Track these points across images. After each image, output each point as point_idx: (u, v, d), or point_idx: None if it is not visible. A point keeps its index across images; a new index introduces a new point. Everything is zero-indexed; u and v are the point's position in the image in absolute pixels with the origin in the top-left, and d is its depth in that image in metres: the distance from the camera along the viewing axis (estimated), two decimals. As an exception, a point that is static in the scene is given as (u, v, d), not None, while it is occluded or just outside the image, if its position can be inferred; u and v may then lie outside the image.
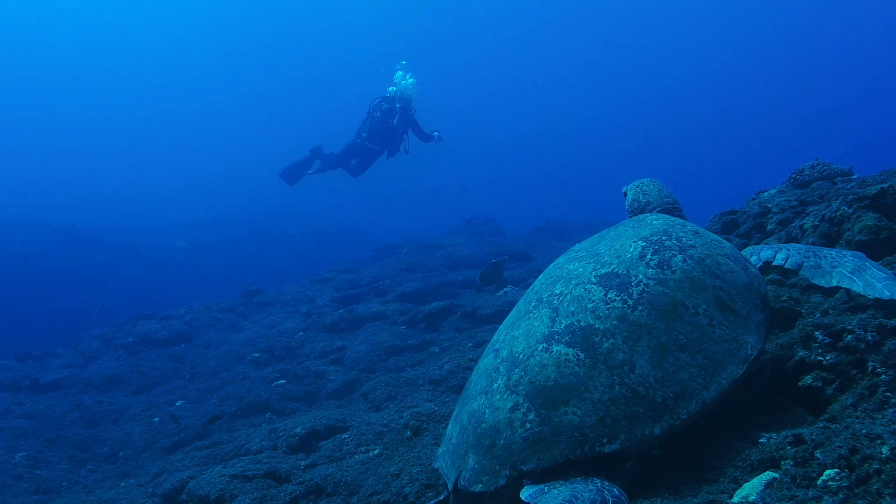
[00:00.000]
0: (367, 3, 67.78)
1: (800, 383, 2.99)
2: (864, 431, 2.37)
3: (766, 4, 68.75)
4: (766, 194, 5.74)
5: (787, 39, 72.97)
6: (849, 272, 3.15)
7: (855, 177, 5.40)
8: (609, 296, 3.00)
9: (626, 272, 3.09)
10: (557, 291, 3.17)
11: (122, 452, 8.47)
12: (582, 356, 2.84)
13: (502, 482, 2.76)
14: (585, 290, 3.08)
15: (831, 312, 3.31)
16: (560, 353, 2.88)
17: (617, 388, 2.75)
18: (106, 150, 64.33)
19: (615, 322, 2.90)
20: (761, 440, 2.70)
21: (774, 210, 5.20)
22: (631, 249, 3.22)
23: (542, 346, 2.96)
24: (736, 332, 2.94)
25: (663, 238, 3.26)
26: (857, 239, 3.92)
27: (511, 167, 74.72)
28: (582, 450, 2.70)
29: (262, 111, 71.07)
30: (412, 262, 15.88)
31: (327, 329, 11.64)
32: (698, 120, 79.36)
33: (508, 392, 2.91)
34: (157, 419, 9.13)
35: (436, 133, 15.29)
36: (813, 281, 3.26)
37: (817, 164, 5.56)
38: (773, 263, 3.41)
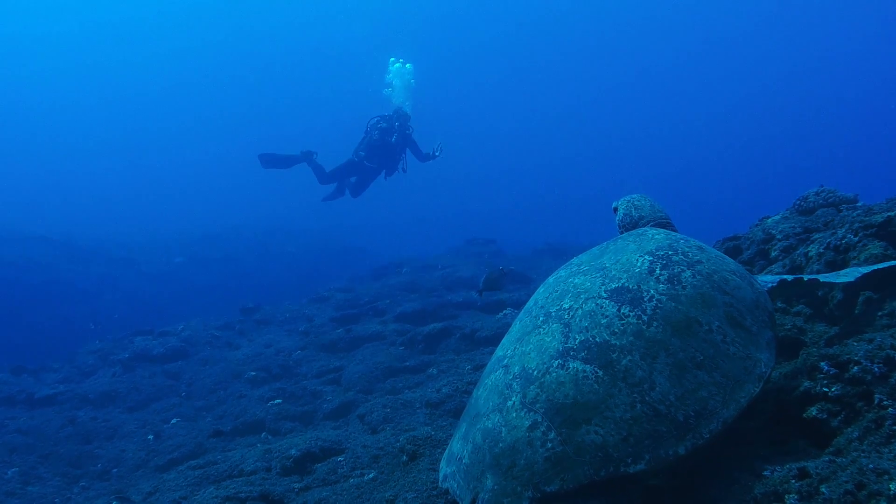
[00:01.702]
0: (365, 24, 67.98)
1: (804, 415, 2.94)
2: (870, 466, 2.32)
3: (780, 28, 68.92)
4: (769, 220, 5.71)
5: (793, 75, 73.14)
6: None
7: (860, 204, 5.37)
8: (622, 311, 2.94)
9: (636, 287, 3.04)
10: (566, 306, 3.12)
11: (115, 470, 8.38)
12: (600, 373, 2.78)
13: None
14: (597, 304, 3.02)
15: (836, 342, 3.26)
16: (577, 370, 2.81)
17: (638, 406, 2.68)
18: (106, 164, 64.37)
19: (631, 338, 2.85)
20: (765, 472, 2.64)
21: (778, 237, 5.16)
22: (638, 264, 3.18)
23: (557, 362, 2.89)
24: (748, 350, 2.90)
25: (670, 253, 3.23)
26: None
27: (512, 188, 74.69)
28: (607, 470, 2.61)
29: (263, 127, 71.13)
30: (411, 283, 15.84)
31: (325, 348, 11.58)
32: (701, 146, 79.54)
33: (525, 410, 2.83)
34: (151, 436, 9.05)
35: (437, 153, 15.22)
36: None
37: (822, 191, 5.53)
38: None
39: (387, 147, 14.93)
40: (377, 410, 7.36)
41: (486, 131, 76.86)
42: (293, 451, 5.94)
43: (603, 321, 2.94)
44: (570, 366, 2.84)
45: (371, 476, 4.71)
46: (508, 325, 9.87)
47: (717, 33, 69.74)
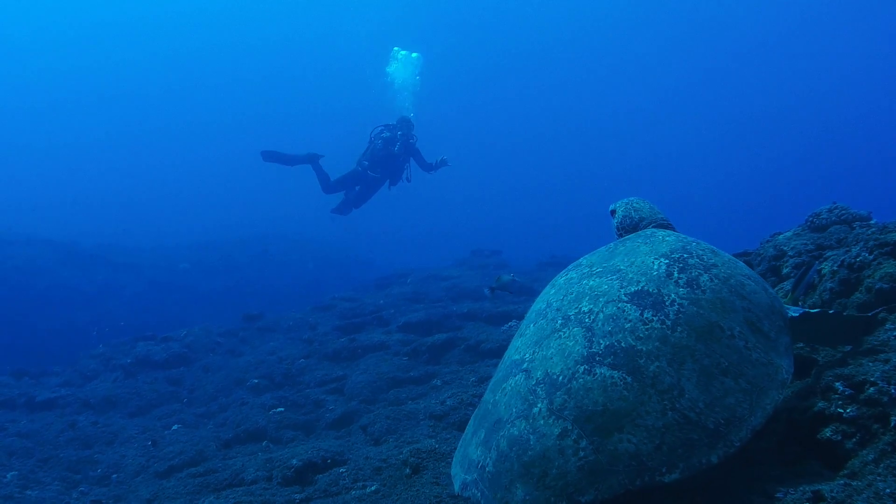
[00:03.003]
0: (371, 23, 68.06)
1: (818, 436, 2.88)
2: (887, 491, 2.27)
3: (794, 41, 68.79)
4: (781, 237, 5.65)
5: (806, 90, 73.05)
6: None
7: (873, 222, 5.30)
8: (645, 315, 2.89)
9: (657, 291, 2.99)
10: (586, 309, 3.05)
11: (115, 475, 8.32)
12: (629, 379, 2.72)
13: None
14: (618, 308, 2.97)
15: (850, 361, 3.19)
16: (605, 376, 2.75)
17: (669, 413, 2.63)
18: (112, 169, 64.56)
19: (657, 343, 2.79)
20: (777, 494, 2.59)
21: (790, 253, 5.10)
22: (655, 267, 3.13)
23: (583, 367, 2.82)
24: (769, 356, 2.86)
25: (685, 256, 3.19)
26: (877, 287, 3.81)
27: (518, 200, 74.77)
28: (642, 480, 2.54)
29: (270, 133, 71.31)
30: (416, 293, 15.77)
31: (328, 357, 11.52)
32: (712, 161, 79.55)
33: (553, 417, 2.75)
34: (150, 443, 8.99)
35: (447, 162, 15.12)
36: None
37: (835, 208, 5.46)
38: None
39: (390, 157, 14.87)
40: (380, 421, 7.30)
41: (493, 143, 77.08)
42: (294, 461, 5.88)
43: (627, 325, 2.88)
44: (597, 371, 2.78)
45: (373, 489, 4.64)
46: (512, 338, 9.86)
47: (732, 47, 69.73)
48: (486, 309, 12.64)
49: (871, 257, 4.02)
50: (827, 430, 2.86)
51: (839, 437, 2.81)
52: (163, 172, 66.34)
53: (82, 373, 13.06)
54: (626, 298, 3.00)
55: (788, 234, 5.63)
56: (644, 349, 2.78)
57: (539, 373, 2.95)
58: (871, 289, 3.87)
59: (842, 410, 2.84)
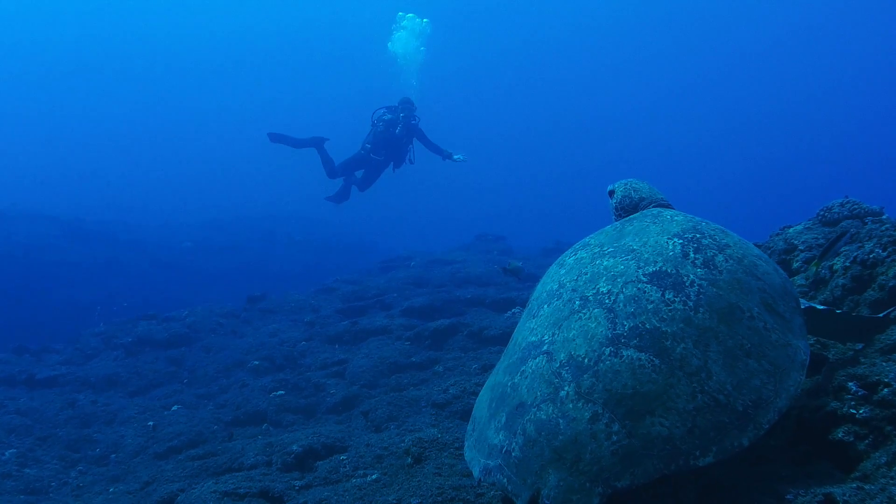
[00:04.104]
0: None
1: (830, 437, 2.82)
2: (902, 495, 2.21)
3: (807, 34, 68.44)
4: (791, 230, 5.56)
5: (816, 84, 72.71)
6: None
7: (885, 217, 5.22)
8: (667, 296, 2.84)
9: (675, 271, 2.94)
10: (605, 290, 2.98)
11: (113, 455, 8.31)
12: (657, 362, 2.66)
13: (596, 501, 2.51)
14: (639, 289, 2.91)
15: (862, 360, 3.13)
16: (633, 359, 2.69)
17: (699, 396, 2.58)
18: (117, 147, 64.55)
19: (681, 325, 2.75)
20: (788, 496, 2.53)
21: (801, 247, 5.02)
22: (670, 247, 3.08)
23: (608, 349, 2.75)
24: (787, 337, 2.82)
25: (698, 236, 3.14)
26: (891, 284, 3.75)
27: (524, 186, 74.76)
28: (676, 464, 2.49)
29: (273, 113, 71.25)
30: (419, 277, 15.72)
31: (330, 340, 11.48)
32: (720, 153, 79.33)
33: (583, 400, 2.68)
34: (151, 423, 8.97)
35: (461, 157, 15.01)
36: None
37: (847, 202, 5.38)
38: None
39: (392, 139, 14.81)
40: (381, 408, 7.25)
41: (500, 128, 76.86)
42: (295, 447, 5.85)
43: (650, 307, 2.83)
44: (624, 354, 2.72)
45: (374, 477, 4.59)
46: (516, 325, 9.80)
47: (741, 41, 69.44)
48: (489, 295, 12.59)
49: (885, 254, 3.95)
50: (839, 430, 2.80)
51: (851, 439, 2.75)
52: (166, 150, 66.36)
53: (83, 351, 13.05)
54: (645, 279, 2.95)
55: (799, 227, 5.54)
56: (669, 331, 2.74)
57: (562, 355, 2.88)
58: (884, 286, 3.80)
59: (854, 411, 2.78)
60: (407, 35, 16.97)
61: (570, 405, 2.70)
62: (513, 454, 2.82)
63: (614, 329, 2.81)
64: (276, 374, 10.18)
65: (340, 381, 9.40)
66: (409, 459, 4.62)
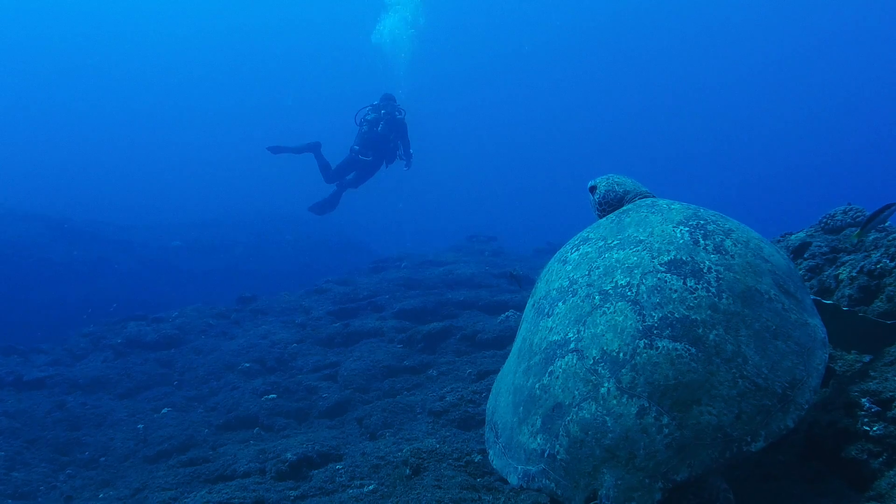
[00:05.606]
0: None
1: (842, 454, 2.77)
2: (920, 517, 2.16)
3: (813, 36, 68.50)
4: (793, 237, 5.51)
5: (819, 87, 72.81)
6: None
7: (886, 225, 5.17)
8: (689, 284, 2.82)
9: (690, 259, 2.92)
10: (623, 282, 2.93)
11: (103, 459, 8.21)
12: (693, 350, 2.62)
13: (658, 496, 2.46)
14: (659, 279, 2.87)
15: (873, 374, 3.07)
16: (669, 349, 2.64)
17: (740, 381, 2.55)
18: (105, 146, 64.24)
19: (709, 312, 2.73)
20: (800, 516, 2.48)
21: (804, 255, 4.98)
22: (678, 235, 3.05)
23: (642, 342, 2.70)
24: (803, 316, 2.83)
25: (702, 222, 3.14)
26: (900, 296, 3.70)
27: (514, 185, 74.61)
28: (731, 451, 2.46)
29: (262, 112, 71.01)
30: (411, 279, 15.62)
31: (322, 343, 11.40)
32: (717, 156, 79.36)
33: (626, 395, 2.62)
34: (140, 426, 8.87)
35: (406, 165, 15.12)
36: None
37: (850, 210, 5.33)
38: None
39: (378, 137, 14.80)
40: (376, 414, 7.17)
41: (491, 129, 76.79)
42: (289, 455, 5.76)
43: (674, 296, 2.79)
44: (659, 345, 2.67)
45: (371, 488, 4.51)
46: (510, 328, 9.73)
47: (739, 38, 69.45)
48: (482, 297, 12.55)
49: (893, 264, 3.90)
50: (851, 448, 2.76)
51: (865, 457, 2.70)
52: (155, 150, 66.06)
53: (72, 351, 12.92)
54: (662, 268, 2.92)
55: (801, 234, 5.50)
56: (699, 318, 2.72)
57: (594, 351, 2.81)
58: (892, 297, 3.75)
59: (868, 428, 2.74)
60: (394, 21, 16.94)
61: (614, 401, 2.64)
62: (558, 457, 2.74)
63: (644, 321, 2.77)
64: (268, 377, 10.09)
65: (333, 384, 9.32)
66: (408, 470, 4.54)
